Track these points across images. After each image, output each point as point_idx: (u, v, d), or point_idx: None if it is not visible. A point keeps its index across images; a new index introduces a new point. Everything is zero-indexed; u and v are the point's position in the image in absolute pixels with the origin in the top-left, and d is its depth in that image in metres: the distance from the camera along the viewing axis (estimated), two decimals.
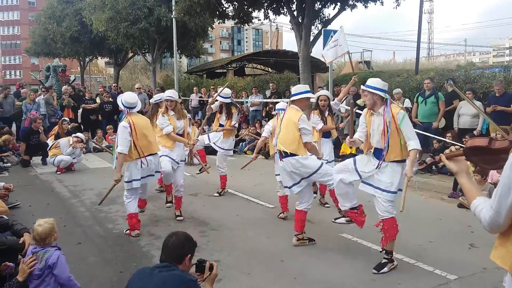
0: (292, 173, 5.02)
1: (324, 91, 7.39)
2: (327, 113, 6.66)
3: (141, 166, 5.58)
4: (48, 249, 3.49)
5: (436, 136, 8.97)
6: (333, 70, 14.22)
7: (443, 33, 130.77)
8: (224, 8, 15.32)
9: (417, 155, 4.36)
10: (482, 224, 1.87)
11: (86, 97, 14.99)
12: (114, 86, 18.25)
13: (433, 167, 8.37)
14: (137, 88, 15.08)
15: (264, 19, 15.79)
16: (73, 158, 10.08)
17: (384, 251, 4.58)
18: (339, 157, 9.80)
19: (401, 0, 13.88)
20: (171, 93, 6.51)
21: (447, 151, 2.23)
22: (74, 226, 6.00)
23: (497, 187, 1.79)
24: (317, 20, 14.85)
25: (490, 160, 2.00)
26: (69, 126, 11.79)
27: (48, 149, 10.34)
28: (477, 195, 1.97)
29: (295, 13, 13.97)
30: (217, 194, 7.79)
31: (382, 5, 14.15)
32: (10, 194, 6.48)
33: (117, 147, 5.47)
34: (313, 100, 6.19)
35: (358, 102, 11.27)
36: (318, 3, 14.37)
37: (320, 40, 12.27)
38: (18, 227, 4.13)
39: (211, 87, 17.29)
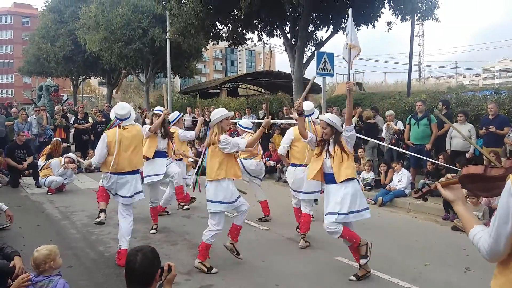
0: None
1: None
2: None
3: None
4: (53, 278, 3.40)
5: (428, 159, 9.00)
6: (325, 91, 14.30)
7: (434, 55, 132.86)
8: (218, 30, 15.47)
9: None
10: (481, 253, 1.84)
11: (79, 117, 14.93)
12: (106, 106, 18.21)
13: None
14: None
15: (257, 41, 15.97)
16: (65, 179, 9.97)
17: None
18: None
19: (393, 24, 14.16)
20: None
21: (442, 179, 2.20)
22: (65, 249, 5.87)
23: (494, 215, 1.76)
24: (310, 43, 15.05)
25: (486, 187, 1.97)
26: (61, 146, 11.68)
27: (39, 169, 10.23)
28: (474, 224, 1.93)
29: (288, 35, 14.15)
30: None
31: (374, 28, 14.41)
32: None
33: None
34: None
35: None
36: (311, 26, 14.59)
37: (313, 62, 12.40)
38: (8, 250, 4.01)
39: (205, 107, 17.33)
